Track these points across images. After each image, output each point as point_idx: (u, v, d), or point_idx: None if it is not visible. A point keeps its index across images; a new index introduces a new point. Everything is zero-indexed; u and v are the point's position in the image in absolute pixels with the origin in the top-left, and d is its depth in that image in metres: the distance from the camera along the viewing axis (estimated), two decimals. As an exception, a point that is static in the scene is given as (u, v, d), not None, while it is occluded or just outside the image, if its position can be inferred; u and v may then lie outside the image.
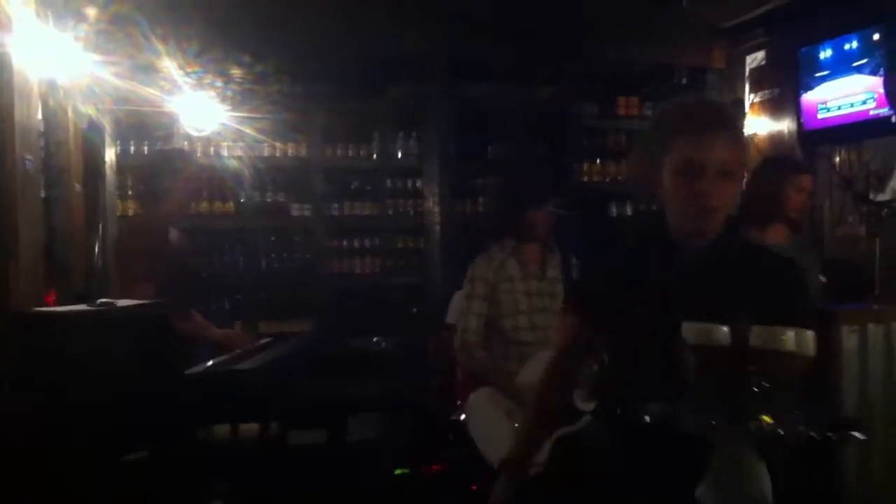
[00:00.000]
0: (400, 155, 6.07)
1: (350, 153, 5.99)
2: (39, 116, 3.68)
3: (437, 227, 5.97)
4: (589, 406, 3.50)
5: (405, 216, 6.04)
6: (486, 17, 5.66)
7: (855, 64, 4.78)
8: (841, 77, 4.86)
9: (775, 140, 5.51)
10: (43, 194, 3.78)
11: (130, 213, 5.51)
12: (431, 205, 5.98)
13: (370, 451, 4.67)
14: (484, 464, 3.66)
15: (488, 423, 3.62)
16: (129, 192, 5.57)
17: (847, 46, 4.82)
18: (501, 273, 3.77)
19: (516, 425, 3.56)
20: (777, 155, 5.18)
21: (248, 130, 5.55)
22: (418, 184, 6.04)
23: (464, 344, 3.83)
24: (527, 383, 3.58)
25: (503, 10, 5.58)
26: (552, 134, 6.10)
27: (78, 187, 4.38)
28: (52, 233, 3.96)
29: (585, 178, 6.21)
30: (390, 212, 6.04)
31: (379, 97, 6.00)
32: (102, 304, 3.10)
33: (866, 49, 4.71)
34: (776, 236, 3.92)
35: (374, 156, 6.03)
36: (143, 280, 3.85)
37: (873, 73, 4.67)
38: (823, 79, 4.99)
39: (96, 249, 4.73)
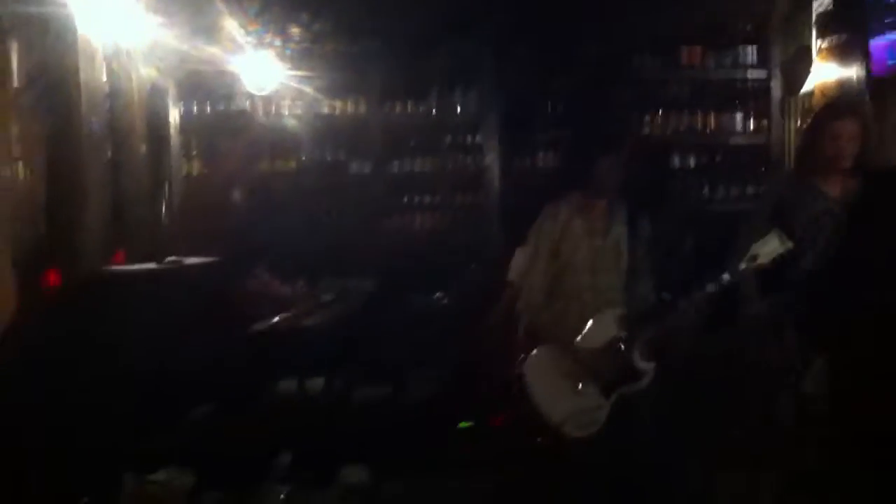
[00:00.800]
0: (458, 110, 6.03)
1: (409, 110, 5.98)
2: (104, 79, 3.75)
3: (497, 183, 5.94)
4: (648, 366, 3.51)
5: (464, 172, 6.02)
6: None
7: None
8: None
9: (844, 87, 5.35)
10: (109, 155, 3.86)
11: (195, 173, 5.58)
12: (490, 160, 5.95)
13: (432, 405, 4.71)
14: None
15: (547, 381, 3.61)
16: (194, 153, 5.63)
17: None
18: (567, 230, 3.70)
19: (580, 386, 3.58)
20: (828, 102, 4.99)
21: (308, 89, 5.58)
22: (477, 139, 6.01)
23: (528, 303, 3.81)
24: (585, 346, 3.59)
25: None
26: (612, 86, 6.00)
27: (143, 148, 4.46)
28: (120, 193, 4.04)
29: (648, 131, 6.10)
30: (449, 167, 6.02)
31: (436, 53, 5.96)
32: (170, 262, 3.17)
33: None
34: (831, 187, 3.80)
35: (433, 112, 6.01)
36: (208, 238, 3.91)
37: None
38: (894, 24, 4.82)
39: (163, 208, 4.81)
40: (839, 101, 4.87)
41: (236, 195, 4.38)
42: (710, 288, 3.42)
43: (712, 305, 3.58)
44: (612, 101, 5.94)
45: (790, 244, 3.35)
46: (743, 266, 3.38)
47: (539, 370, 3.66)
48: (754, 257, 3.34)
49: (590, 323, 3.58)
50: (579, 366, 3.57)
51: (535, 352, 3.69)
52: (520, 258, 5.04)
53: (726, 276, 3.40)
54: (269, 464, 3.53)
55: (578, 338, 3.60)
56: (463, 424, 4.77)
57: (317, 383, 3.99)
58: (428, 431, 4.46)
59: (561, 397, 3.56)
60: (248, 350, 3.53)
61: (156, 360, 2.98)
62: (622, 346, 3.48)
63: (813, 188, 3.76)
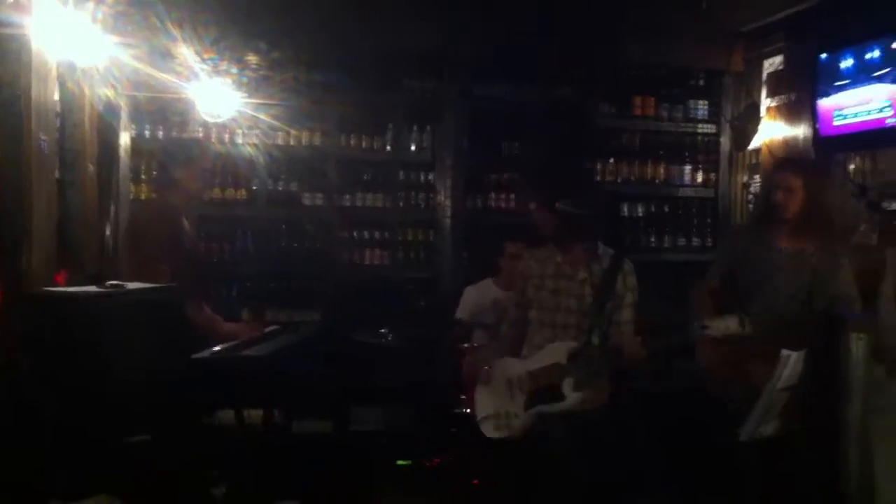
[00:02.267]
0: (413, 148, 6.06)
1: (364, 144, 5.98)
2: (56, 98, 3.70)
3: (448, 222, 5.96)
4: (574, 395, 3.67)
5: (417, 209, 6.04)
6: (504, 14, 5.66)
7: (874, 73, 4.75)
8: (859, 85, 4.84)
9: (790, 145, 5.49)
10: (57, 175, 3.81)
11: (143, 197, 5.51)
12: (443, 199, 5.97)
13: (373, 442, 4.68)
14: (486, 458, 3.78)
15: (489, 384, 3.97)
16: (143, 177, 5.57)
17: (867, 55, 4.79)
18: (536, 270, 3.95)
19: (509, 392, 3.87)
20: (778, 158, 5.23)
21: (264, 117, 5.56)
22: (431, 178, 6.03)
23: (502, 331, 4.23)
24: (530, 365, 3.85)
25: (521, 8, 5.59)
26: (567, 133, 6.07)
27: (92, 169, 4.41)
28: (66, 214, 3.99)
29: (600, 178, 6.18)
30: (402, 205, 6.03)
31: (394, 90, 6.00)
32: (112, 286, 3.12)
33: (886, 58, 4.68)
34: (782, 239, 3.97)
35: (388, 148, 6.03)
36: (153, 264, 3.86)
37: (892, 82, 4.64)
38: (841, 86, 4.97)
39: (108, 232, 4.75)
40: (787, 156, 5.07)
41: (184, 223, 4.34)
42: (659, 344, 3.70)
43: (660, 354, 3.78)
44: (563, 148, 6.01)
45: (749, 330, 3.48)
46: (693, 331, 3.56)
47: (489, 376, 3.99)
48: (705, 327, 3.50)
49: (544, 349, 3.84)
50: (518, 379, 3.85)
51: (496, 362, 4.02)
52: (469, 297, 5.11)
53: (674, 338, 3.71)
54: (203, 495, 3.48)
55: (527, 359, 3.90)
56: (401, 462, 4.76)
57: (256, 415, 3.95)
58: (366, 468, 4.44)
59: (491, 398, 3.92)
60: (188, 378, 3.48)
61: (92, 385, 2.92)
62: (555, 371, 3.73)
63: (765, 240, 3.95)
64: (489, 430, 3.88)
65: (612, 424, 3.74)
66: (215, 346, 3.97)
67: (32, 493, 2.80)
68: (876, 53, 4.74)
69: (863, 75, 4.82)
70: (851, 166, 5.05)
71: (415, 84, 6.04)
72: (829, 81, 5.05)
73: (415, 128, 6.05)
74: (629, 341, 3.73)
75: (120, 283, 3.19)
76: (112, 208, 4.85)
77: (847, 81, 4.94)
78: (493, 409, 3.88)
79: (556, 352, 3.76)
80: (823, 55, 5.10)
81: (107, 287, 3.10)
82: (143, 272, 3.76)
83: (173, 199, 4.29)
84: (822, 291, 3.86)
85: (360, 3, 5.56)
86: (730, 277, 4.08)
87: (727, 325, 3.49)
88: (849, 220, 4.72)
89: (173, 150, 4.52)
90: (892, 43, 4.63)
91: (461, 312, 5.16)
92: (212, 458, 3.58)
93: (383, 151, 6.02)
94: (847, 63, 4.94)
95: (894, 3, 4.62)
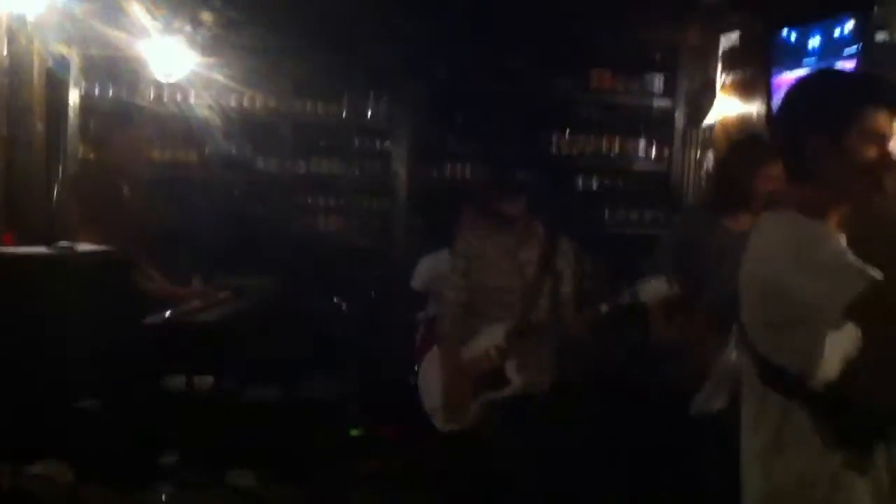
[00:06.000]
0: (370, 115, 5.99)
1: (319, 110, 5.91)
2: (5, 53, 3.61)
3: (404, 190, 5.92)
4: (518, 377, 3.69)
5: (372, 177, 5.99)
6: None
7: (830, 49, 4.77)
8: (815, 61, 4.86)
9: (745, 122, 5.52)
10: (5, 132, 3.72)
11: (91, 157, 5.38)
12: (399, 167, 5.93)
13: (323, 410, 4.68)
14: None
15: (433, 376, 3.90)
16: (91, 136, 5.43)
17: (826, 31, 4.81)
18: (478, 250, 3.89)
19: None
20: (749, 138, 4.96)
21: (218, 78, 5.44)
22: (386, 145, 5.98)
23: (440, 313, 4.07)
24: (468, 355, 3.81)
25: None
26: (524, 103, 6.05)
27: (41, 127, 4.30)
28: (12, 172, 3.89)
29: (556, 151, 6.17)
30: (357, 172, 5.97)
31: (351, 55, 5.91)
32: (62, 247, 3.06)
33: (842, 35, 4.71)
34: (738, 223, 3.88)
35: (344, 114, 5.95)
36: (89, 226, 3.77)
37: (846, 59, 4.66)
38: (796, 63, 4.99)
39: (56, 191, 4.65)
40: (760, 141, 4.58)
41: (122, 186, 4.25)
42: (591, 315, 3.66)
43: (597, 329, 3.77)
44: (525, 121, 5.99)
45: (676, 290, 3.49)
46: (623, 300, 3.55)
47: (431, 366, 3.93)
48: (635, 293, 3.50)
49: (481, 333, 3.81)
50: (463, 367, 3.81)
51: (433, 350, 3.98)
52: (423, 267, 5.10)
53: (605, 307, 3.62)
54: (153, 462, 3.44)
55: (465, 347, 3.84)
56: (353, 431, 4.75)
57: (206, 381, 3.91)
58: (318, 436, 4.43)
59: (437, 390, 3.85)
60: (138, 343, 3.43)
61: (40, 348, 2.86)
62: (495, 354, 3.72)
63: (719, 225, 3.82)
64: (440, 424, 3.85)
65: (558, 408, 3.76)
66: (165, 306, 3.92)
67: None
68: (831, 31, 4.75)
69: (818, 52, 4.84)
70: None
71: (371, 50, 5.94)
72: (783, 58, 5.07)
73: (371, 94, 5.97)
74: (568, 316, 3.76)
75: (70, 244, 3.12)
76: (60, 167, 4.74)
77: (799, 57, 4.95)
78: (439, 403, 3.84)
79: (494, 334, 3.76)
80: (783, 31, 5.10)
81: (57, 248, 3.03)
82: (78, 233, 3.67)
83: (108, 161, 4.22)
84: None
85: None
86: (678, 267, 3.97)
87: (656, 289, 3.51)
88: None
89: (111, 112, 4.45)
90: (846, 21, 4.64)
91: (415, 281, 5.15)
92: (163, 424, 3.54)
93: (339, 117, 5.94)
94: (802, 39, 4.95)
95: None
